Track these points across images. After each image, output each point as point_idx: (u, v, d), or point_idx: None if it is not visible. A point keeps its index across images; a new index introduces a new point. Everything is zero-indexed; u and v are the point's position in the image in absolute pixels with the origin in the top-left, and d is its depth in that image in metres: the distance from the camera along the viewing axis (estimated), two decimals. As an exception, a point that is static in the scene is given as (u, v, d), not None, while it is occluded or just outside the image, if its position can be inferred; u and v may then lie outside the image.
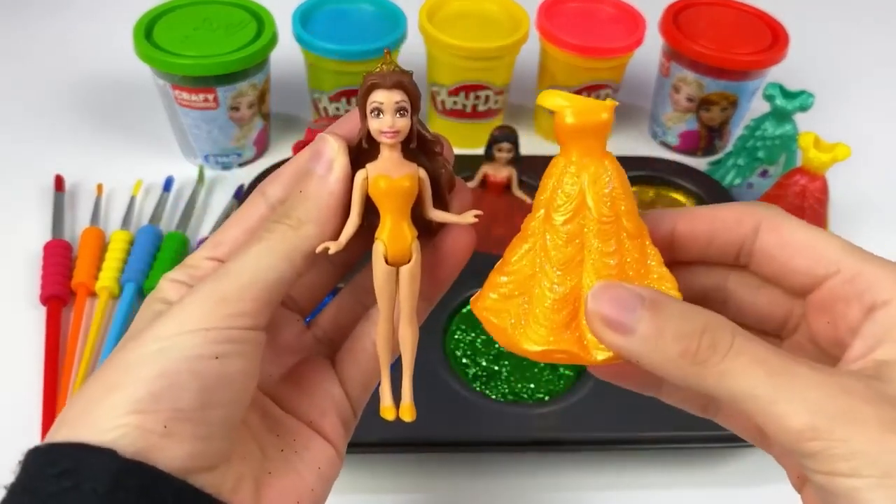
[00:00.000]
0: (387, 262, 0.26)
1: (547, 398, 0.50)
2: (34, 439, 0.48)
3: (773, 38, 0.69)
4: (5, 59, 0.81)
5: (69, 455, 0.23)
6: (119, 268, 0.57)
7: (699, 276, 0.28)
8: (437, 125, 0.74)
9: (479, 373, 0.51)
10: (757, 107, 0.70)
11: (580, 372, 0.51)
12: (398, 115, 0.25)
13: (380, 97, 0.25)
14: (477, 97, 0.69)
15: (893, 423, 0.21)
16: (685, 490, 0.50)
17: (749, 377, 0.22)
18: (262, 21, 0.65)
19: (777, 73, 0.69)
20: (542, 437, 0.47)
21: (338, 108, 0.68)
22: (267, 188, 0.27)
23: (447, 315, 0.53)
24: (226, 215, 0.62)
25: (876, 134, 0.79)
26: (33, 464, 0.23)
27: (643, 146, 0.76)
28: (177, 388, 0.23)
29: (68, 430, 0.23)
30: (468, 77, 0.68)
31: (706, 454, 0.51)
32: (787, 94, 0.64)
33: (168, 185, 0.65)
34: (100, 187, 0.64)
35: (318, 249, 0.25)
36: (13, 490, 0.23)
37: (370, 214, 0.26)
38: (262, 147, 0.71)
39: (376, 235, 0.26)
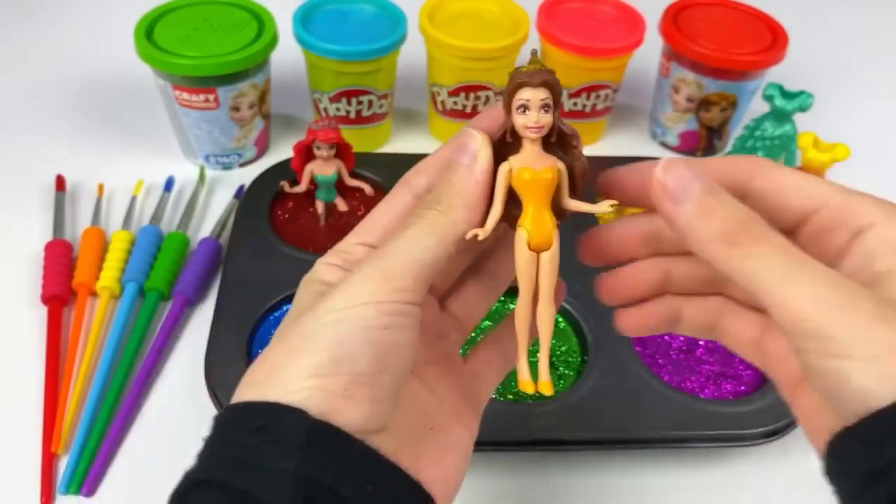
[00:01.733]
0: (529, 247, 0.28)
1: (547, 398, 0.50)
2: (35, 438, 0.48)
3: (772, 39, 0.69)
4: (6, 59, 0.81)
5: (265, 413, 0.25)
6: (120, 268, 0.57)
7: None
8: (438, 125, 0.74)
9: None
10: (756, 107, 0.70)
11: (581, 371, 0.52)
12: (542, 112, 0.28)
13: (527, 95, 0.27)
14: (477, 97, 0.69)
15: (885, 315, 0.23)
16: (685, 490, 0.50)
17: (769, 259, 0.25)
18: (262, 21, 0.65)
19: (776, 74, 0.69)
20: (543, 437, 0.47)
21: (338, 109, 0.68)
22: (412, 179, 0.30)
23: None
24: (227, 215, 0.63)
25: (875, 134, 0.80)
26: (232, 419, 0.26)
27: (643, 146, 0.76)
28: (355, 354, 0.25)
29: (259, 390, 0.26)
30: (468, 77, 0.68)
31: (706, 454, 0.51)
32: (787, 95, 0.65)
33: (169, 185, 0.65)
34: (101, 187, 0.64)
35: (468, 236, 0.27)
36: (213, 442, 0.26)
37: (509, 205, 0.28)
38: (262, 147, 0.71)
39: (519, 223, 0.29)
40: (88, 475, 0.47)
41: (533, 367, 0.30)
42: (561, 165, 0.29)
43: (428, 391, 0.31)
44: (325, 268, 0.29)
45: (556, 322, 0.55)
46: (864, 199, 0.27)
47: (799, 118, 0.66)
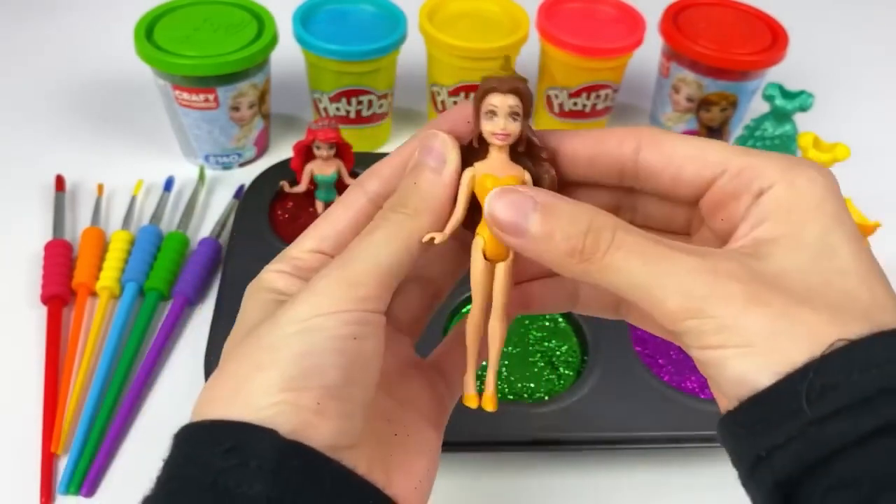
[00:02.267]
0: (485, 256, 0.27)
1: (547, 397, 0.50)
2: (35, 439, 0.48)
3: (772, 39, 0.69)
4: (6, 59, 0.81)
5: (232, 433, 0.23)
6: (120, 267, 0.57)
7: (603, 195, 0.29)
8: (438, 125, 0.74)
9: (480, 372, 0.51)
10: (756, 107, 0.70)
11: (580, 371, 0.52)
12: (510, 119, 0.27)
13: (495, 101, 0.27)
14: (477, 97, 0.69)
15: (757, 297, 0.22)
16: (685, 490, 0.50)
17: (627, 268, 0.24)
18: (262, 21, 0.65)
19: (776, 74, 0.69)
20: (542, 437, 0.47)
21: (338, 109, 0.68)
22: (365, 182, 0.28)
23: (448, 315, 0.53)
24: (227, 215, 0.63)
25: (875, 134, 0.80)
26: (196, 439, 0.24)
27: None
28: (323, 366, 0.24)
29: (224, 408, 0.24)
30: (468, 77, 0.68)
31: (706, 454, 0.51)
32: (787, 95, 0.65)
33: (169, 185, 0.65)
34: (100, 187, 0.64)
35: (424, 240, 0.26)
36: (175, 463, 0.25)
37: (471, 211, 0.27)
38: (262, 147, 0.71)
39: (477, 231, 0.27)
40: (88, 475, 0.47)
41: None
42: (527, 176, 0.27)
43: (386, 395, 0.29)
44: (274, 276, 0.28)
45: (557, 321, 0.55)
46: (767, 159, 0.25)
47: (799, 118, 0.66)
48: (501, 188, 0.26)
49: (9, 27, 0.85)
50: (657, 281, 0.23)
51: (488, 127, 0.27)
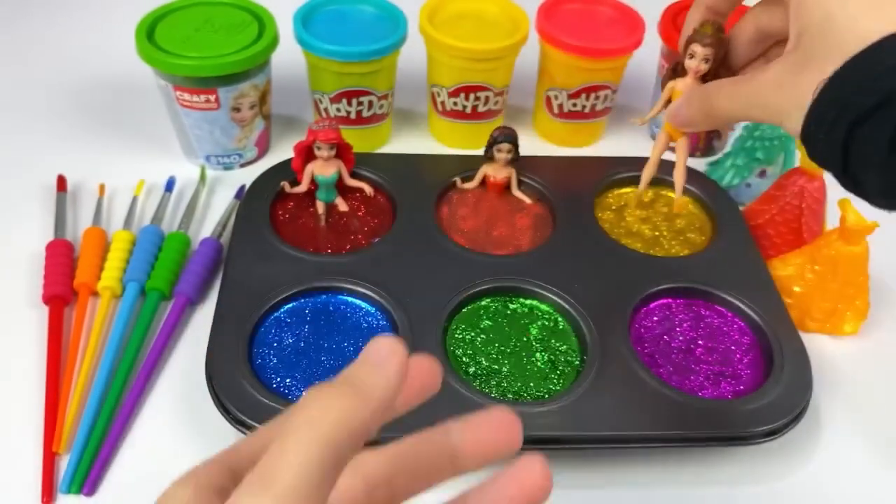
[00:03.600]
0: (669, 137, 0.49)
1: (547, 397, 0.50)
2: (36, 438, 0.49)
3: (771, 40, 0.69)
4: (8, 59, 0.81)
5: None
6: (121, 267, 0.58)
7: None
8: (438, 126, 0.74)
9: (479, 371, 0.52)
10: (755, 108, 0.70)
11: (580, 371, 0.52)
12: (703, 62, 0.45)
13: (696, 49, 0.44)
14: (477, 98, 0.70)
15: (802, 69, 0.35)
16: (685, 490, 0.50)
17: (725, 105, 0.41)
18: (263, 22, 0.65)
19: (775, 74, 0.69)
20: (542, 436, 0.47)
21: (338, 109, 0.69)
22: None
23: (448, 314, 0.54)
24: (228, 215, 0.63)
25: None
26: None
27: (642, 147, 0.76)
28: None
29: None
30: (468, 78, 0.68)
31: (705, 454, 0.52)
32: (786, 95, 0.65)
33: (170, 185, 0.65)
34: (102, 187, 0.65)
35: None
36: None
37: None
38: (263, 148, 0.71)
39: (663, 127, 0.48)
40: (89, 475, 0.47)
41: None
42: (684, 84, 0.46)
43: None
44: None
45: (556, 321, 0.55)
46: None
47: (798, 119, 0.66)
48: (675, 104, 0.44)
49: (10, 28, 0.86)
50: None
51: (688, 63, 0.44)
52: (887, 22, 0.33)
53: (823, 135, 0.34)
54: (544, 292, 0.56)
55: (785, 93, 0.36)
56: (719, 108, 0.41)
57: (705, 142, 0.74)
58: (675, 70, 0.46)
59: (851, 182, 0.34)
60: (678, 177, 0.49)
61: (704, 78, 0.43)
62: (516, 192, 0.64)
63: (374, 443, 0.47)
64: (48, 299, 0.56)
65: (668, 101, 0.47)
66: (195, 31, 0.64)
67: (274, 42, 0.65)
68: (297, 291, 0.54)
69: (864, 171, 0.33)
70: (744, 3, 0.44)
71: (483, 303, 0.56)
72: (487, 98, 0.70)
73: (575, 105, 0.72)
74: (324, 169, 0.59)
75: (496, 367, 0.52)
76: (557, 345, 0.54)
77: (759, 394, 0.50)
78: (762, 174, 0.68)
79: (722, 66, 0.44)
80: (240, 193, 0.65)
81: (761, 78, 0.38)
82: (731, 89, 0.40)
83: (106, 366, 0.52)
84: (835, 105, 0.33)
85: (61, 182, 0.65)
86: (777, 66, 0.37)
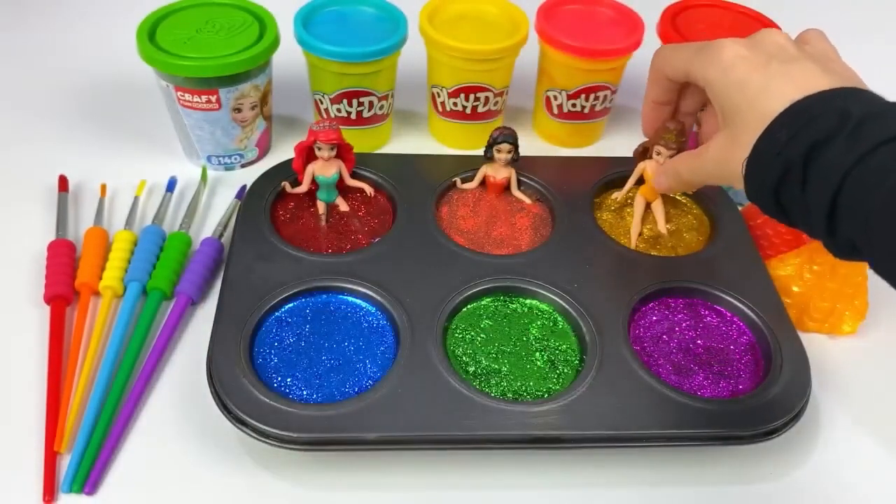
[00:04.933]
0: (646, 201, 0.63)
1: (546, 396, 0.51)
2: (38, 437, 0.49)
3: (770, 40, 0.70)
4: (9, 60, 0.82)
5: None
6: (123, 267, 0.58)
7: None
8: (438, 126, 0.74)
9: (479, 371, 0.52)
10: (754, 108, 0.71)
11: (579, 370, 0.52)
12: (668, 155, 0.58)
13: (661, 150, 0.59)
14: (477, 99, 0.70)
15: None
16: (685, 489, 0.50)
17: (687, 179, 0.51)
18: (263, 23, 0.66)
19: (774, 75, 0.69)
20: (542, 435, 0.48)
21: (339, 110, 0.69)
22: None
23: (448, 313, 0.54)
24: (229, 215, 0.63)
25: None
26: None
27: (642, 147, 0.77)
28: None
29: None
30: (468, 79, 0.68)
31: (704, 453, 0.52)
32: (784, 96, 0.65)
33: (171, 185, 0.65)
34: (103, 187, 0.65)
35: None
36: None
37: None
38: (264, 148, 0.72)
39: (639, 192, 0.63)
40: (91, 474, 0.47)
41: None
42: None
43: None
44: None
45: (555, 321, 0.55)
46: (696, 63, 0.47)
47: (796, 119, 0.66)
48: (655, 176, 0.55)
49: (12, 28, 0.86)
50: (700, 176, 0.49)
51: (656, 157, 0.58)
52: (779, 100, 0.40)
53: (762, 203, 0.42)
54: (544, 292, 0.56)
55: (726, 168, 0.44)
56: (685, 178, 0.50)
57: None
58: (644, 153, 0.60)
59: (806, 231, 0.42)
60: (662, 229, 0.62)
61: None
62: (516, 193, 0.64)
63: (375, 443, 0.47)
64: (50, 299, 0.56)
65: (640, 178, 0.62)
66: (196, 32, 0.64)
67: (275, 43, 0.65)
68: (298, 291, 0.55)
69: (801, 224, 0.41)
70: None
71: (483, 302, 0.56)
72: (487, 98, 0.70)
73: (574, 105, 0.72)
74: (324, 169, 0.60)
75: (496, 366, 0.52)
76: (557, 344, 0.54)
77: (757, 393, 0.51)
78: (761, 174, 0.68)
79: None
80: (241, 193, 0.65)
81: (706, 156, 0.46)
82: (690, 164, 0.49)
83: (107, 365, 0.52)
84: (756, 180, 0.41)
85: (63, 182, 0.65)
86: (716, 145, 0.45)
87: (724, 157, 0.44)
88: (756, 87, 0.41)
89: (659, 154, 0.58)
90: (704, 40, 0.48)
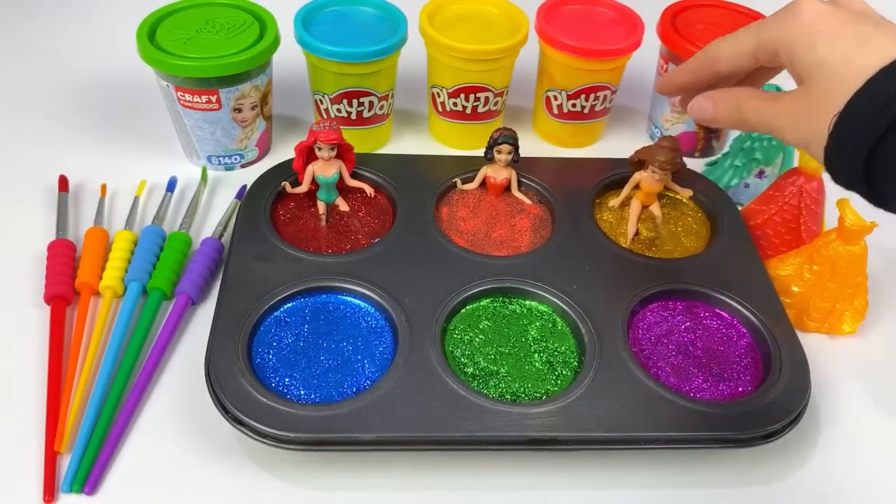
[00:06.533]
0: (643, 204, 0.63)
1: (544, 398, 0.51)
2: (38, 437, 0.49)
3: (770, 41, 0.70)
4: (10, 60, 0.82)
5: None
6: (123, 267, 0.58)
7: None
8: (438, 127, 0.74)
9: (478, 372, 0.52)
10: (755, 108, 0.71)
11: (578, 372, 0.52)
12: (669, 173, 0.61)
13: (656, 170, 0.61)
14: (477, 99, 0.70)
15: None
16: (683, 492, 0.50)
17: (749, 117, 0.44)
18: (264, 23, 0.66)
19: (775, 76, 0.69)
20: (540, 437, 0.48)
21: (339, 110, 0.69)
22: None
23: (446, 314, 0.54)
24: (229, 215, 0.63)
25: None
26: None
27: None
28: None
29: None
30: (468, 79, 0.68)
31: (704, 455, 0.52)
32: (785, 97, 0.65)
33: (171, 185, 0.65)
34: (103, 187, 0.65)
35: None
36: None
37: None
38: (264, 148, 0.72)
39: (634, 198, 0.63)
40: (91, 474, 0.47)
41: None
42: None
43: None
44: None
45: (554, 322, 0.55)
46: (767, 33, 0.43)
47: (797, 120, 0.66)
48: (699, 101, 0.46)
49: (12, 28, 0.86)
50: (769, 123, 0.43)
51: (652, 174, 0.60)
52: (877, 56, 0.38)
53: (846, 164, 0.38)
54: (543, 293, 0.56)
55: (802, 125, 0.41)
56: (745, 116, 0.44)
57: (704, 142, 0.75)
58: (640, 163, 0.61)
59: (878, 199, 0.39)
60: (660, 222, 0.63)
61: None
62: (517, 193, 0.64)
63: (373, 443, 0.47)
64: (50, 299, 0.56)
65: (635, 186, 0.62)
66: (196, 33, 0.64)
67: (275, 43, 0.65)
68: (297, 291, 0.55)
69: (889, 187, 0.38)
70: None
71: (482, 303, 0.56)
72: (487, 99, 0.70)
73: (574, 106, 0.72)
74: (325, 169, 0.60)
75: (494, 367, 0.52)
76: (556, 346, 0.54)
77: (757, 395, 0.51)
78: (760, 174, 0.68)
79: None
80: (241, 193, 0.66)
81: (780, 105, 0.42)
82: (757, 104, 0.44)
83: (107, 365, 0.52)
84: (851, 137, 0.38)
85: (63, 182, 0.65)
86: (793, 97, 0.41)
87: (802, 112, 0.41)
88: (850, 42, 0.39)
89: (654, 173, 0.59)
90: (707, 41, 0.47)
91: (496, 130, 0.62)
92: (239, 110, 0.65)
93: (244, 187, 0.66)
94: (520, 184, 0.65)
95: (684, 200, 0.66)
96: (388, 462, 0.50)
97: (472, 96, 0.70)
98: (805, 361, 0.53)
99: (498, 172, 0.63)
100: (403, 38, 0.67)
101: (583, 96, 0.71)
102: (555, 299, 0.56)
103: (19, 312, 0.57)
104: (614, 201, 0.64)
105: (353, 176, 0.62)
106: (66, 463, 0.48)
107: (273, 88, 0.69)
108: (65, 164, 0.67)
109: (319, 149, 0.59)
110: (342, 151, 0.60)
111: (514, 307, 0.56)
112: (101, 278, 0.57)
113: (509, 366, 0.52)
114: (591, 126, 0.75)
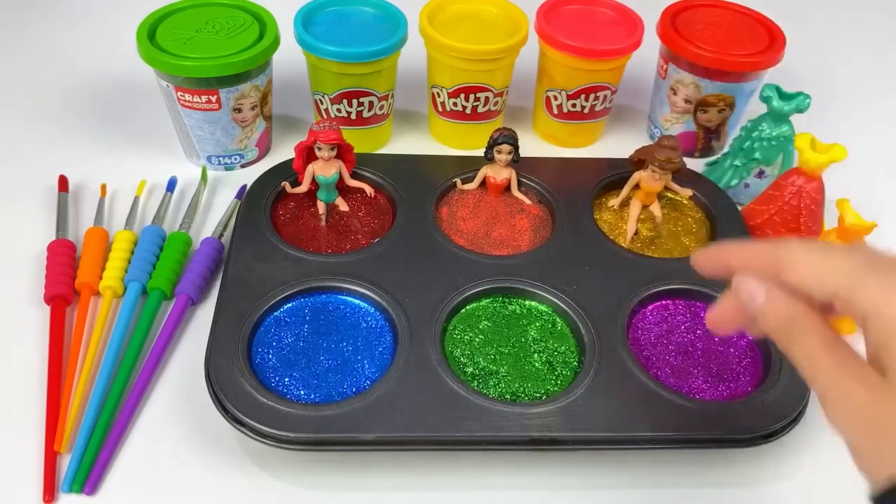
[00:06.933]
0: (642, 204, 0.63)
1: (544, 398, 0.51)
2: (38, 438, 0.49)
3: (770, 40, 0.70)
4: (10, 60, 0.82)
5: None
6: (123, 267, 0.58)
7: None
8: (438, 127, 0.74)
9: (477, 372, 0.52)
10: (754, 108, 0.71)
11: (578, 372, 0.52)
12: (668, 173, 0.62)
13: (654, 172, 0.61)
14: (477, 99, 0.70)
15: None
16: (683, 492, 0.50)
17: (808, 365, 0.33)
18: (264, 23, 0.66)
19: (774, 75, 0.69)
20: (540, 437, 0.48)
21: (339, 110, 0.69)
22: None
23: (446, 314, 0.54)
24: (229, 215, 0.63)
25: (872, 134, 0.80)
26: None
27: (642, 147, 0.77)
28: None
29: None
30: (468, 79, 0.68)
31: (704, 455, 0.52)
32: (784, 96, 0.65)
33: (171, 185, 0.65)
34: (103, 187, 0.65)
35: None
36: None
37: None
38: (264, 148, 0.72)
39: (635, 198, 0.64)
40: (91, 474, 0.47)
41: None
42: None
43: None
44: None
45: (554, 323, 0.55)
46: (866, 281, 0.31)
47: (796, 119, 0.66)
48: (746, 279, 0.36)
49: (13, 29, 0.86)
50: (833, 388, 0.31)
51: (652, 175, 0.60)
52: None
53: None
54: (543, 293, 0.56)
55: (874, 428, 0.30)
56: (801, 363, 0.33)
57: (704, 142, 0.75)
58: (640, 163, 0.62)
59: None
60: (659, 218, 0.63)
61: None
62: (517, 193, 0.64)
63: (372, 443, 0.47)
64: (50, 299, 0.56)
65: (636, 185, 0.62)
66: (196, 33, 0.64)
67: (275, 43, 0.65)
68: (297, 291, 0.55)
69: None
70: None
71: (482, 303, 0.56)
72: (487, 99, 0.70)
73: (574, 106, 0.72)
74: (325, 169, 0.60)
75: (494, 367, 0.52)
76: (555, 346, 0.54)
77: (757, 396, 0.51)
78: (760, 174, 0.68)
79: None
80: (241, 193, 0.66)
81: (851, 397, 0.31)
82: (819, 354, 0.33)
83: (107, 365, 0.52)
84: None
85: (63, 182, 0.65)
86: (867, 394, 0.30)
87: (875, 419, 0.29)
88: None
89: (654, 173, 0.60)
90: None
91: (496, 130, 0.62)
92: (239, 110, 0.65)
93: (244, 187, 0.66)
94: (520, 184, 0.65)
95: (684, 200, 0.66)
96: (388, 462, 0.50)
97: (472, 96, 0.70)
98: (805, 361, 0.53)
99: (498, 172, 0.63)
100: (403, 38, 0.67)
101: (583, 96, 0.71)
102: (555, 299, 0.56)
103: (19, 312, 0.57)
104: (614, 201, 0.64)
105: (353, 176, 0.62)
106: (66, 463, 0.48)
107: (273, 88, 0.69)
108: (65, 164, 0.67)
109: (319, 149, 0.59)
110: (342, 151, 0.60)
111: (513, 307, 0.56)
112: (101, 278, 0.57)
113: (509, 366, 0.52)
114: (591, 126, 0.75)
